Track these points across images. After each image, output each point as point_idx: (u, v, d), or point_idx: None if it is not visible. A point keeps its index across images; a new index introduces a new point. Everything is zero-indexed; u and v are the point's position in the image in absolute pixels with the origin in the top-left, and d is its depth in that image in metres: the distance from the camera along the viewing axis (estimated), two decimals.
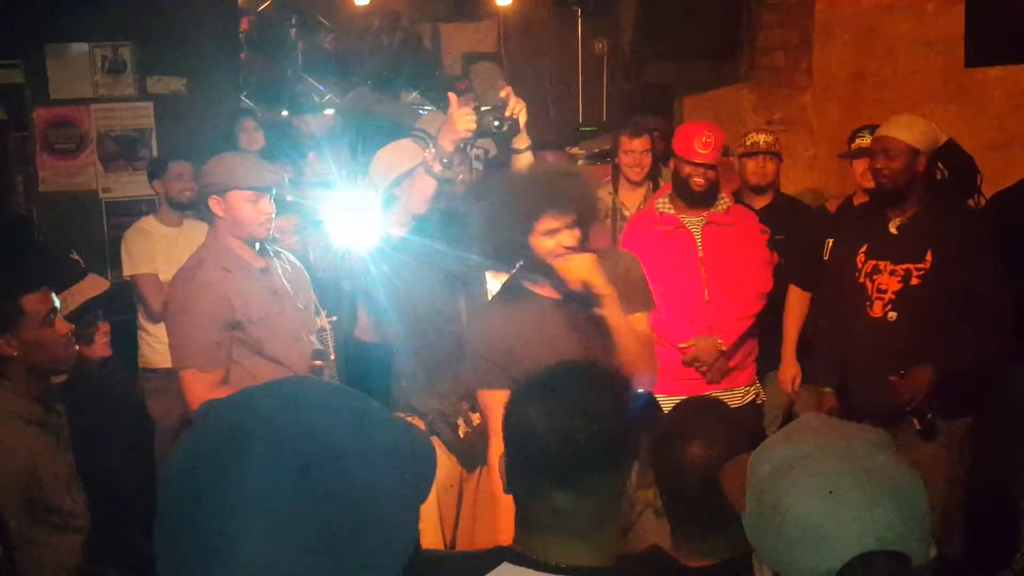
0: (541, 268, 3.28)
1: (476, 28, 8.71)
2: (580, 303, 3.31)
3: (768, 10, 7.09)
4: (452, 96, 3.61)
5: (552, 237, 3.19)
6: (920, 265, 4.14)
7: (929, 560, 1.50)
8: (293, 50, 8.58)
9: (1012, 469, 4.22)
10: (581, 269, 3.17)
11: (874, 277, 4.20)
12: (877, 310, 4.18)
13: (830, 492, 1.44)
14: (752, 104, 7.28)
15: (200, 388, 3.66)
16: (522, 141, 3.71)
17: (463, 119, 3.48)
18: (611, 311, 3.22)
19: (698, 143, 4.51)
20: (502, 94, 3.56)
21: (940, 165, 4.38)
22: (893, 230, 4.21)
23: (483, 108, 3.51)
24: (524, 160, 3.76)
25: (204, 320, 3.66)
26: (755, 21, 7.15)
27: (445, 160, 3.55)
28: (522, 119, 3.58)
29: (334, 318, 4.20)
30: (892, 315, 4.14)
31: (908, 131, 4.27)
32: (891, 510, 1.43)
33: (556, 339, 3.26)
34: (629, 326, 3.31)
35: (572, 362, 2.01)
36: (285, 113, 7.77)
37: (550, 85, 7.91)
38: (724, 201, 4.63)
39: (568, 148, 7.08)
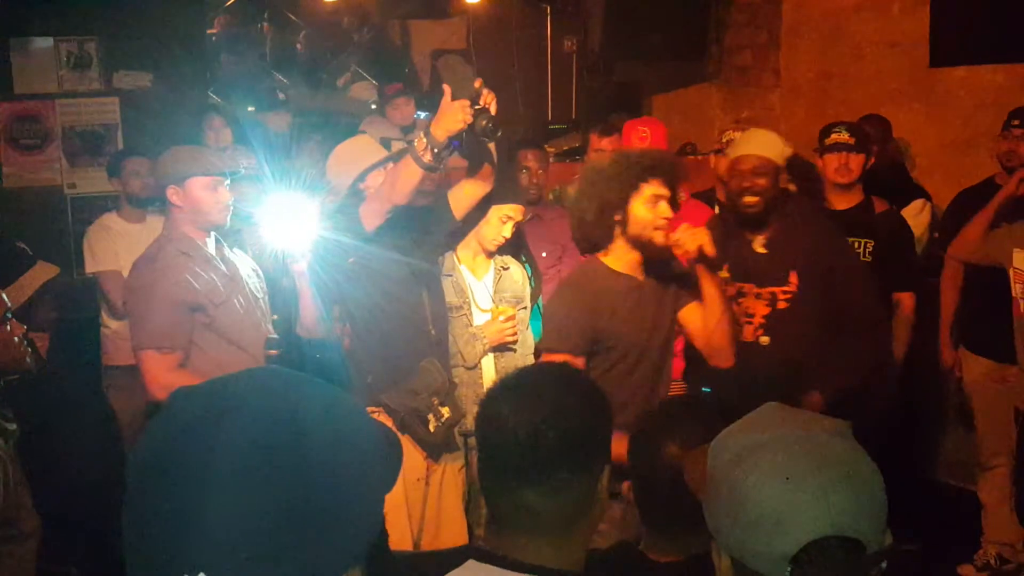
0: (637, 242, 3.43)
1: (445, 25, 8.69)
2: (660, 282, 3.51)
3: (736, 10, 7.13)
4: (447, 87, 3.60)
5: (653, 206, 3.35)
6: (786, 288, 4.09)
7: (884, 547, 1.51)
8: (261, 46, 8.55)
9: None
10: (699, 236, 3.31)
11: (739, 300, 4.12)
12: (748, 334, 4.08)
13: (787, 478, 1.45)
14: (720, 103, 7.32)
15: (159, 369, 3.68)
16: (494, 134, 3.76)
17: (461, 111, 3.48)
18: (713, 283, 3.42)
19: (635, 136, 4.62)
20: (476, 85, 3.57)
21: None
22: (759, 249, 4.15)
23: (476, 107, 3.50)
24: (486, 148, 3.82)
25: (165, 301, 3.69)
26: (723, 21, 7.19)
27: (436, 150, 3.55)
28: (492, 110, 3.59)
29: (275, 316, 4.20)
30: (764, 339, 4.10)
31: (770, 147, 4.17)
32: (846, 497, 1.45)
33: (639, 316, 3.46)
34: (727, 301, 3.52)
35: (546, 363, 2.02)
36: (252, 109, 7.72)
37: (520, 83, 7.89)
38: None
39: (546, 146, 7.10)
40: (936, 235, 5.36)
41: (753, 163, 4.08)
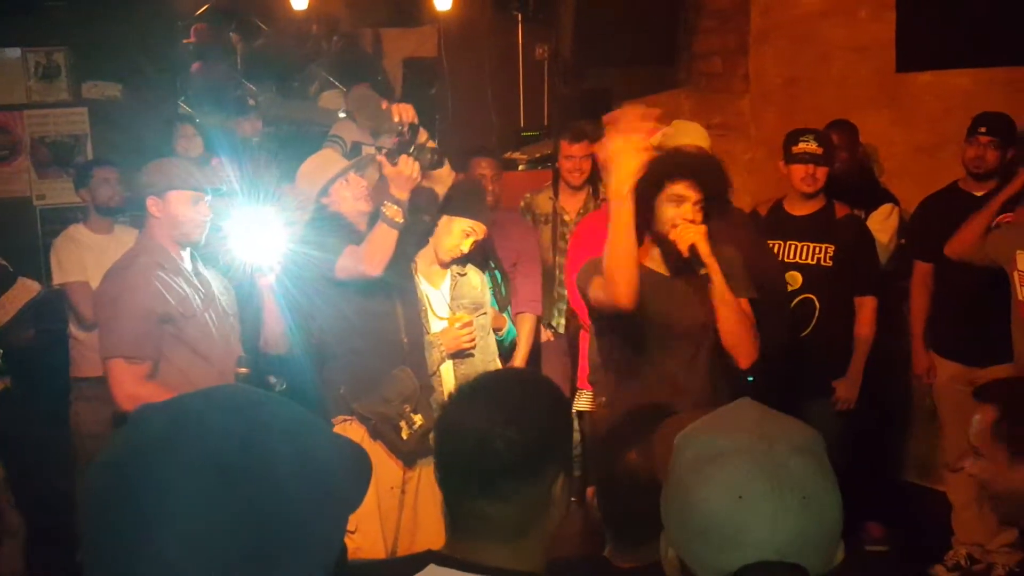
0: (657, 239, 3.53)
1: (417, 33, 8.67)
2: (690, 280, 3.55)
3: (706, 16, 7.14)
4: (382, 158, 3.88)
5: (677, 205, 3.41)
6: None
7: (831, 567, 1.51)
8: (231, 55, 8.52)
9: None
10: (692, 235, 3.40)
11: None
12: None
13: (740, 497, 1.44)
14: (691, 109, 7.33)
15: (126, 379, 3.66)
16: (423, 134, 3.94)
17: (410, 169, 3.79)
18: (716, 281, 3.47)
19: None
20: (383, 107, 3.93)
21: None
22: None
23: (413, 150, 3.82)
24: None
25: (135, 311, 3.68)
26: (693, 27, 7.20)
27: (401, 209, 3.82)
28: (410, 115, 3.86)
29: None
30: None
31: (704, 138, 4.41)
32: (796, 524, 1.44)
33: (661, 310, 3.53)
34: (734, 301, 3.55)
35: (509, 369, 2.03)
36: (222, 117, 7.69)
37: (491, 90, 7.89)
38: None
39: (509, 153, 7.10)
40: (903, 240, 5.40)
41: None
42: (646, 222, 3.47)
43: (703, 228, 3.43)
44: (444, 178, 4.16)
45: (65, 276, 5.28)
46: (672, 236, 3.44)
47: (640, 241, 3.55)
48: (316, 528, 1.08)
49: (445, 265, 4.37)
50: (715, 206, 3.51)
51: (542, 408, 1.85)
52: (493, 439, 1.74)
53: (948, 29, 5.73)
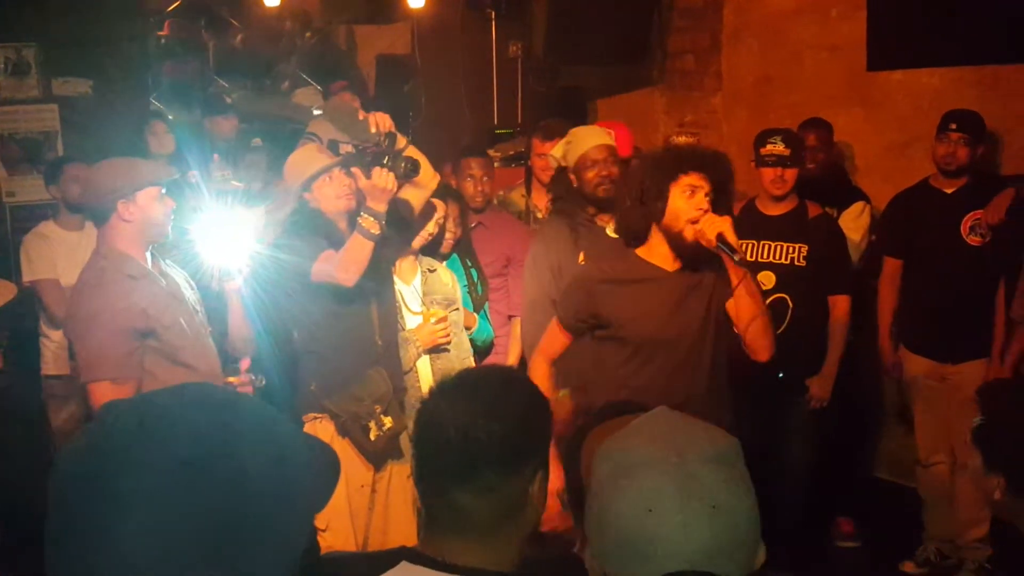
0: (667, 232, 3.47)
1: (390, 30, 8.65)
2: (697, 276, 3.54)
3: (679, 15, 7.17)
4: (357, 171, 3.91)
5: (691, 196, 3.40)
6: None
7: (751, 570, 1.53)
8: (203, 52, 8.48)
9: None
10: (719, 224, 3.38)
11: None
12: None
13: (649, 509, 1.47)
14: (664, 107, 7.37)
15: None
16: (401, 141, 3.98)
17: (384, 180, 3.80)
18: (746, 274, 3.45)
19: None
20: (360, 117, 3.91)
21: None
22: (612, 235, 4.25)
23: (387, 160, 3.84)
24: (411, 152, 4.02)
25: (116, 331, 3.54)
26: (666, 25, 7.23)
27: (378, 221, 3.84)
28: (387, 124, 3.91)
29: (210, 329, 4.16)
30: None
31: (606, 138, 4.51)
32: (707, 534, 1.46)
33: (658, 307, 3.51)
34: (759, 292, 3.56)
35: (490, 366, 2.04)
36: (196, 113, 7.66)
37: (465, 88, 7.89)
38: None
39: (489, 151, 7.10)
40: (874, 237, 5.43)
41: (605, 153, 4.41)
42: (655, 214, 3.48)
43: (728, 218, 3.44)
44: (428, 183, 4.14)
45: (35, 273, 5.25)
46: (695, 228, 3.41)
47: (644, 237, 3.58)
48: (282, 527, 1.09)
49: (416, 254, 4.39)
50: (722, 197, 3.53)
51: (524, 405, 1.86)
52: (476, 431, 1.75)
53: (918, 28, 5.77)
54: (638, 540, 1.47)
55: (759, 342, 3.58)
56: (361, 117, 3.91)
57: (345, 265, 3.87)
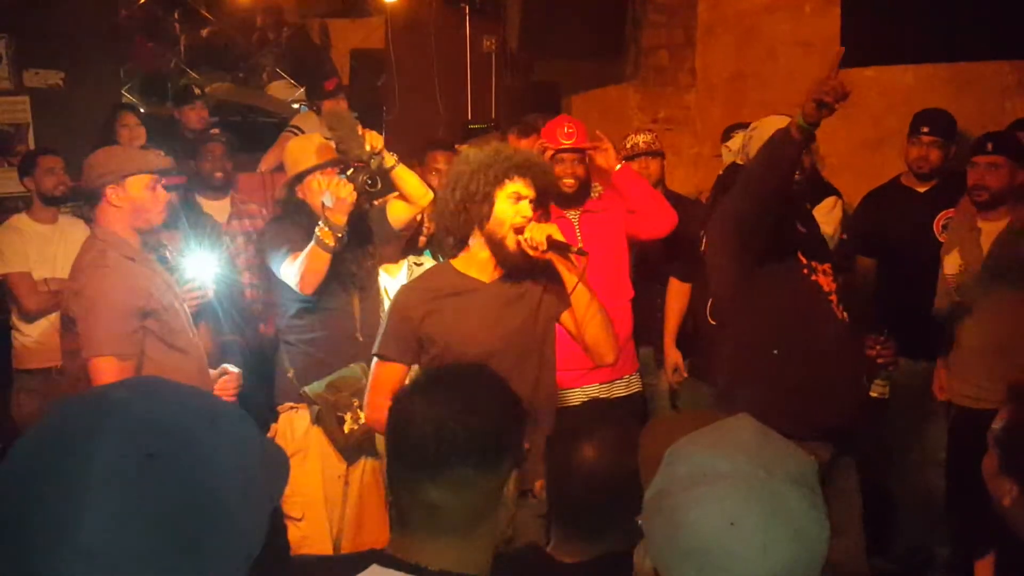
0: (491, 240, 3.32)
1: (364, 24, 8.65)
2: (521, 287, 3.39)
3: (653, 10, 7.19)
4: (324, 178, 3.96)
5: (515, 203, 3.28)
6: None
7: None
8: (175, 44, 8.44)
9: None
10: (547, 227, 3.26)
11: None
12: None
13: (732, 523, 1.42)
14: (638, 103, 7.38)
15: (114, 377, 3.53)
16: (389, 160, 4.03)
17: (344, 192, 3.84)
18: (577, 272, 3.31)
19: (560, 133, 4.63)
20: (359, 132, 3.99)
21: None
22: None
23: (350, 172, 3.89)
24: (399, 175, 4.11)
25: (122, 307, 3.55)
26: (640, 21, 7.25)
27: (340, 235, 3.87)
28: (380, 144, 4.00)
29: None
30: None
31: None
32: (786, 557, 1.42)
33: (477, 320, 3.34)
34: (593, 293, 3.39)
35: (463, 363, 2.03)
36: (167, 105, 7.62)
37: (439, 82, 7.89)
38: (597, 188, 4.76)
39: (457, 145, 7.10)
40: (844, 235, 5.46)
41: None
42: (479, 219, 3.31)
43: (552, 223, 3.36)
44: (419, 199, 4.19)
45: (7, 266, 5.20)
46: (520, 238, 3.26)
47: (460, 247, 3.42)
48: (241, 519, 1.08)
49: (404, 251, 4.41)
50: (545, 205, 3.44)
51: (499, 400, 1.87)
52: (453, 426, 1.75)
53: (892, 25, 5.81)
54: (714, 553, 1.42)
55: (602, 341, 3.40)
56: (360, 132, 3.94)
57: (303, 275, 3.90)
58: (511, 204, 3.27)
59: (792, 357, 3.67)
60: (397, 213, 4.21)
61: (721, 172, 4.74)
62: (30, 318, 5.09)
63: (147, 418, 1.06)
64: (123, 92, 7.47)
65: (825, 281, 3.83)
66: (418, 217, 4.49)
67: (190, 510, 1.03)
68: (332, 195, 3.83)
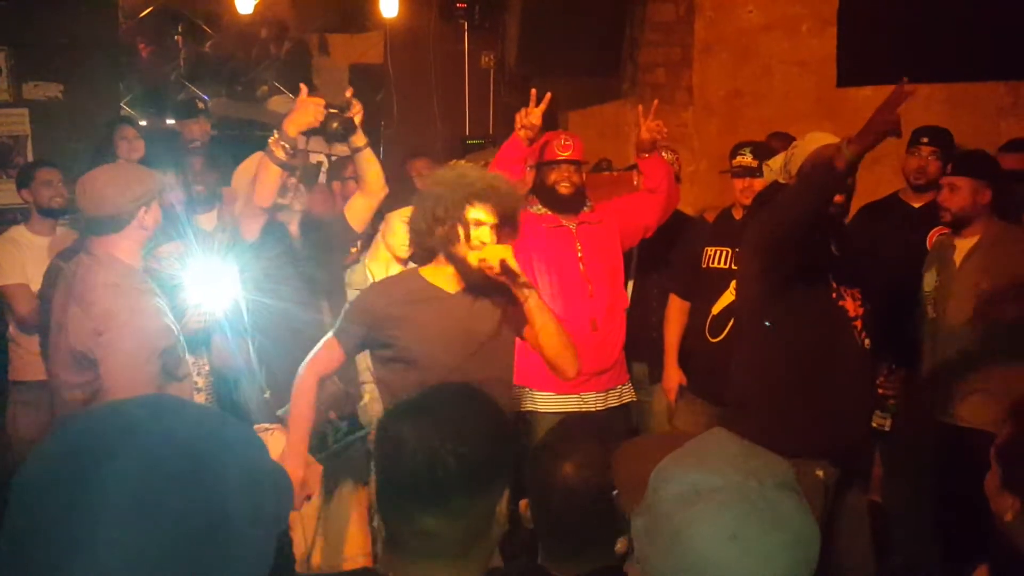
0: (453, 259, 3.44)
1: (363, 39, 8.68)
2: (482, 301, 3.47)
3: (650, 28, 7.21)
4: (303, 86, 3.87)
5: (475, 228, 3.38)
6: None
7: None
8: (176, 58, 8.46)
9: None
10: (501, 251, 3.34)
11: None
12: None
13: (733, 536, 1.42)
14: (635, 120, 7.35)
15: None
16: (360, 139, 3.99)
17: (313, 108, 3.74)
18: (534, 297, 3.40)
19: (557, 145, 4.73)
20: (347, 94, 3.88)
21: None
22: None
23: (331, 109, 3.79)
24: (365, 157, 4.05)
25: (147, 353, 3.47)
26: (638, 39, 7.27)
27: (287, 146, 3.75)
28: (358, 119, 3.91)
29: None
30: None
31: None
32: (788, 563, 1.43)
33: (440, 329, 3.41)
34: (550, 310, 3.50)
35: (448, 384, 2.02)
36: (171, 122, 7.63)
37: (437, 98, 7.92)
38: (589, 204, 4.81)
39: (454, 160, 7.12)
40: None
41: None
42: (442, 242, 3.43)
43: (509, 246, 3.41)
44: (376, 191, 4.16)
45: (4, 278, 5.20)
46: (479, 259, 3.36)
47: (430, 257, 3.53)
48: (251, 541, 1.08)
49: (405, 261, 4.40)
50: (507, 228, 3.51)
51: (489, 423, 1.85)
52: (445, 456, 1.73)
53: (888, 45, 5.84)
54: (718, 567, 1.42)
55: (561, 359, 3.50)
56: (348, 95, 3.90)
57: (256, 188, 3.84)
58: (472, 228, 3.38)
59: (809, 383, 3.70)
60: (356, 213, 4.18)
61: (762, 188, 4.75)
62: (27, 330, 5.09)
63: (166, 439, 1.05)
64: (122, 105, 7.48)
65: (852, 306, 3.85)
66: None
67: (204, 531, 1.02)
68: (298, 106, 3.77)
